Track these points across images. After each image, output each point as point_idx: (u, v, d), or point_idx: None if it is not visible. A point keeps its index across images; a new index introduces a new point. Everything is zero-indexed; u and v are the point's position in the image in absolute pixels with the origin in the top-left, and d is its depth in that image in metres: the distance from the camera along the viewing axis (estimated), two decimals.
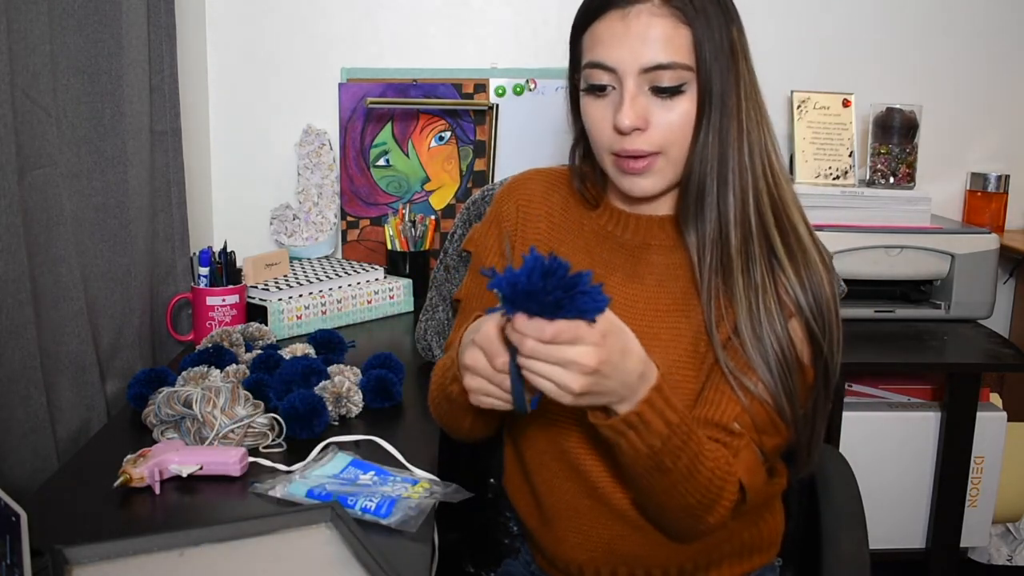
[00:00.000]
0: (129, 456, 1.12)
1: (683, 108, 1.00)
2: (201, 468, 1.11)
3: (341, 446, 1.20)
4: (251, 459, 1.16)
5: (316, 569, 0.92)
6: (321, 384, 1.32)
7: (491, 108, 2.06)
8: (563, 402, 0.84)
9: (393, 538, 0.99)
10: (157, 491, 1.08)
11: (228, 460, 1.13)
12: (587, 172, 1.15)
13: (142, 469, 1.09)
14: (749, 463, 1.00)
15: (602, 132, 1.04)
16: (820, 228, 1.85)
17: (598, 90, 1.03)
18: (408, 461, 1.18)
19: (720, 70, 1.00)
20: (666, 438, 0.91)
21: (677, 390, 1.03)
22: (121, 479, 1.08)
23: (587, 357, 0.80)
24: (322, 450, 1.18)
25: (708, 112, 1.01)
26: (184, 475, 1.10)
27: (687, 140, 1.02)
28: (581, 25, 1.05)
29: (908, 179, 2.06)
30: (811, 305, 1.02)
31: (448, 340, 1.24)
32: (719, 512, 0.99)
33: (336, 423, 1.30)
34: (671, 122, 1.01)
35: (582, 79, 1.05)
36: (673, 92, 1.00)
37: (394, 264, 1.96)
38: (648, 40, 0.98)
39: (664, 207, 1.11)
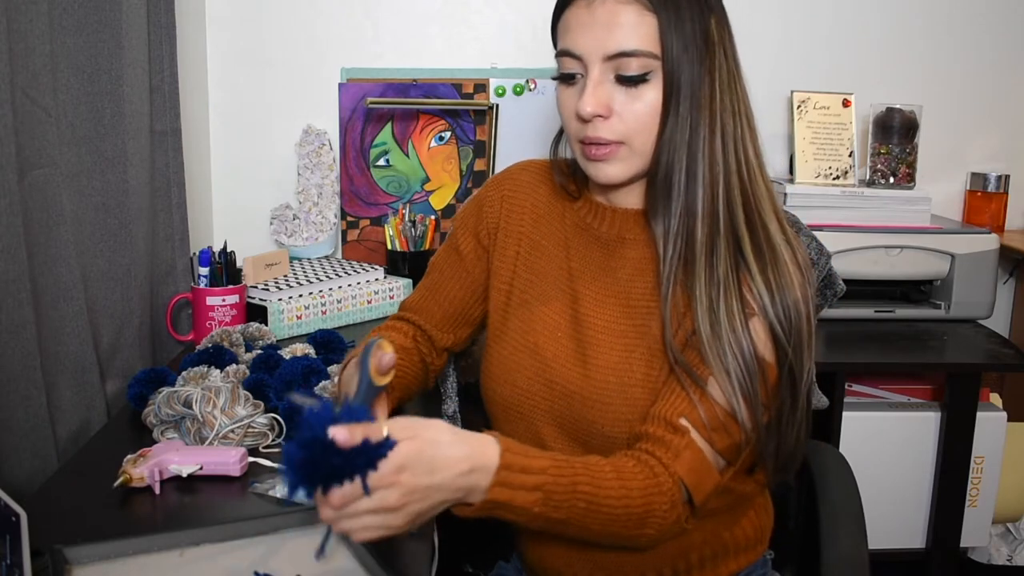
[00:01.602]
0: (129, 456, 1.12)
1: (648, 97, 0.99)
2: (201, 468, 1.11)
3: None
4: (251, 459, 1.16)
5: (316, 569, 0.92)
6: (321, 384, 1.32)
7: (491, 108, 2.06)
8: (403, 531, 0.83)
9: (393, 538, 0.99)
10: (157, 491, 1.08)
11: (228, 460, 1.13)
12: (570, 164, 1.16)
13: (142, 469, 1.09)
14: (692, 462, 0.96)
15: (570, 120, 1.04)
16: (820, 228, 1.87)
17: (568, 79, 1.03)
18: None
19: (690, 60, 0.98)
20: (543, 499, 0.89)
21: (642, 385, 1.02)
22: (121, 479, 1.07)
23: (389, 499, 0.79)
24: None
25: (676, 101, 0.99)
26: (184, 475, 1.10)
27: (653, 130, 1.01)
28: (555, 15, 1.05)
29: (908, 179, 2.06)
30: (776, 306, 0.99)
31: (404, 301, 1.29)
32: (655, 524, 0.95)
33: None
34: (635, 111, 1.00)
35: (558, 67, 1.05)
36: (637, 81, 0.99)
37: (394, 264, 1.96)
38: (612, 27, 0.98)
39: (637, 200, 1.09)
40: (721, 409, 0.97)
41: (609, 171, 1.04)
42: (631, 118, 1.00)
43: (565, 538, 0.97)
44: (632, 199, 1.10)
